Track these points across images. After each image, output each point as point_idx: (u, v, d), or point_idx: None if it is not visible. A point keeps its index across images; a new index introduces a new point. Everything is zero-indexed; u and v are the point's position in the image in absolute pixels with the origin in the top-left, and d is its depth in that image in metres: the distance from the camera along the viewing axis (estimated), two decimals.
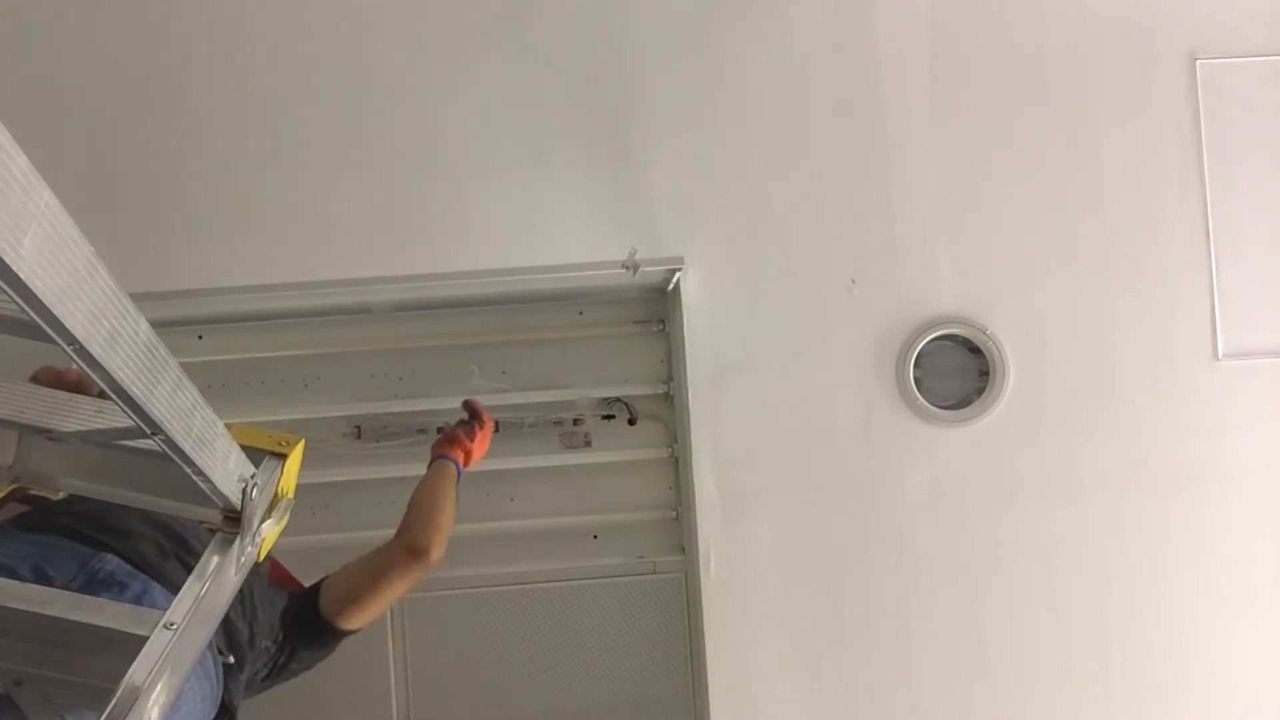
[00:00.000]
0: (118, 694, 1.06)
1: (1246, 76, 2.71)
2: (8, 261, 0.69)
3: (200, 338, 2.77)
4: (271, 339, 2.79)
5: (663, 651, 2.84)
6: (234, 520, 1.28)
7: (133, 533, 1.61)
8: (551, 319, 2.84)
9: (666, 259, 2.62)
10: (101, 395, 1.27)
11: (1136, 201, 2.72)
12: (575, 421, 2.86)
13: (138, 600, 1.47)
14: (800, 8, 2.71)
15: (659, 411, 2.87)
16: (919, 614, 2.71)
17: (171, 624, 1.14)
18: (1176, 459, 2.71)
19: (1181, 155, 2.71)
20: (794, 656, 2.70)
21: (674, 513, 2.86)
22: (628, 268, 2.53)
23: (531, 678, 2.81)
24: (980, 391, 2.74)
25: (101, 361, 0.85)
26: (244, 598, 1.77)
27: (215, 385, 2.74)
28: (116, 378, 0.88)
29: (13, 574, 1.38)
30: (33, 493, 1.79)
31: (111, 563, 1.48)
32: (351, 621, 1.97)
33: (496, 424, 2.71)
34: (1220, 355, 2.70)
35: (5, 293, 0.72)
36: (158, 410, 0.96)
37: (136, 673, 1.08)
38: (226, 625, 1.71)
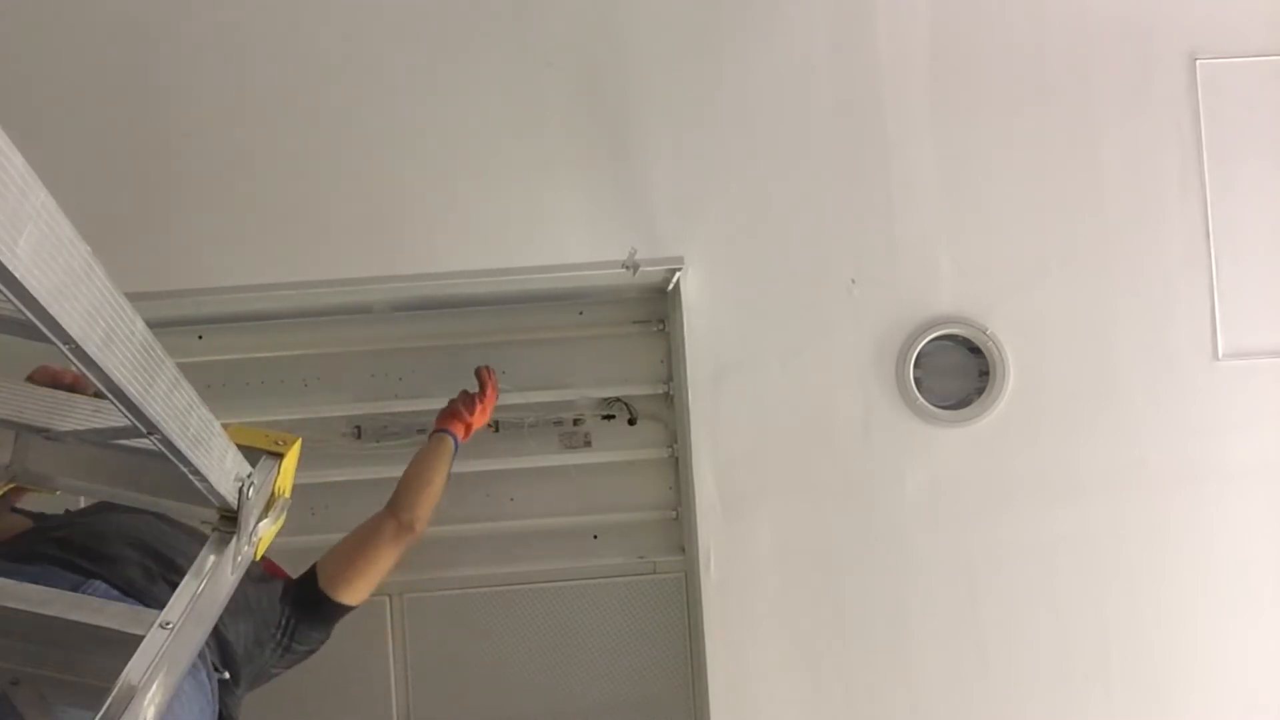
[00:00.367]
0: (113, 693, 1.06)
1: (1246, 76, 2.71)
2: (4, 261, 0.69)
3: (200, 338, 2.77)
4: (271, 339, 2.79)
5: (663, 651, 2.84)
6: (230, 519, 1.28)
7: (119, 558, 1.63)
8: (551, 319, 2.84)
9: (666, 259, 2.62)
10: (98, 394, 1.28)
11: (1136, 201, 2.72)
12: (575, 421, 2.86)
13: None
14: (800, 8, 2.71)
15: (659, 411, 2.87)
16: (919, 614, 2.71)
17: (167, 623, 1.14)
18: (1176, 459, 2.71)
19: (1181, 155, 2.71)
20: (794, 656, 2.70)
21: (674, 513, 2.86)
22: (628, 268, 2.53)
23: (531, 678, 2.81)
24: (980, 391, 2.74)
25: (97, 361, 0.85)
26: (238, 608, 1.79)
27: (215, 385, 2.75)
28: (112, 377, 0.88)
29: None
30: (29, 509, 1.80)
31: (100, 589, 1.49)
32: (347, 593, 2.02)
33: (496, 424, 2.74)
34: (1220, 355, 2.70)
35: (1, 292, 0.72)
36: (154, 409, 0.97)
37: (132, 672, 1.08)
38: (220, 641, 1.73)
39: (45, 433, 1.21)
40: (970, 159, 2.71)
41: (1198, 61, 2.70)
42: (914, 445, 2.71)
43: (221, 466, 1.18)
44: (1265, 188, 2.71)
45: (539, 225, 2.67)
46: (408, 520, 2.14)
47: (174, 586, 1.55)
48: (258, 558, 1.39)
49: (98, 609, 1.15)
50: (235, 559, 1.29)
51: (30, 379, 1.69)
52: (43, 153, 0.80)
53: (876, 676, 2.71)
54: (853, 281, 2.70)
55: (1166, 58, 2.71)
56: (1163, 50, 2.71)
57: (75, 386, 1.37)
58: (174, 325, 2.69)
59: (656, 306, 2.84)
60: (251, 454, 1.33)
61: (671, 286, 2.68)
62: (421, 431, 2.77)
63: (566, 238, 2.66)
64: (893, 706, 2.72)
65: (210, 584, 1.22)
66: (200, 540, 1.66)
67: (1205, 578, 2.71)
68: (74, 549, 1.62)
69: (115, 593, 1.53)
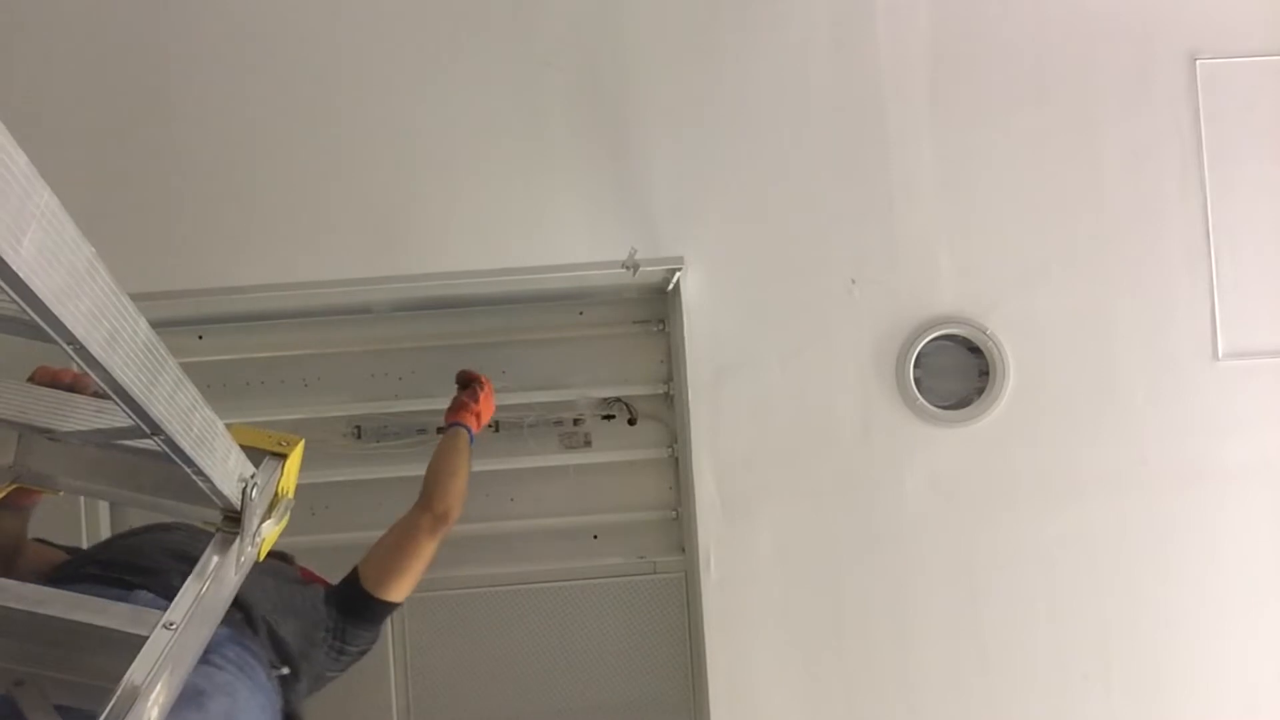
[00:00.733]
0: (117, 693, 1.06)
1: (1246, 76, 2.71)
2: (8, 261, 0.69)
3: (200, 338, 2.77)
4: (271, 339, 2.79)
5: (663, 651, 2.83)
6: (234, 520, 1.28)
7: (159, 568, 1.65)
8: (551, 319, 2.84)
9: (666, 259, 2.62)
10: (98, 394, 1.28)
11: (1136, 201, 2.72)
12: (575, 421, 2.85)
13: None
14: (800, 8, 2.71)
15: (659, 411, 2.87)
16: (919, 614, 2.71)
17: (171, 624, 1.14)
18: (1176, 459, 2.71)
19: (1181, 155, 2.71)
20: (794, 656, 2.70)
21: (674, 513, 2.86)
22: (628, 268, 2.53)
23: (531, 678, 2.81)
24: (980, 391, 2.74)
25: (101, 361, 0.85)
26: (285, 608, 1.82)
27: (215, 385, 2.74)
28: (116, 377, 0.88)
29: None
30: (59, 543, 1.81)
31: (145, 598, 1.50)
32: (392, 591, 2.06)
33: (496, 424, 2.74)
34: (1220, 355, 2.70)
35: (5, 292, 0.72)
36: (157, 410, 0.96)
37: (136, 672, 1.08)
38: (275, 640, 1.75)
39: (49, 433, 1.21)
40: (970, 159, 2.72)
41: (1198, 61, 2.70)
42: (914, 445, 2.71)
43: (225, 467, 1.18)
44: (1265, 188, 2.71)
45: (539, 225, 2.68)
46: (441, 511, 2.17)
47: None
48: (261, 558, 1.39)
49: (100, 609, 1.15)
50: (239, 560, 1.29)
51: (31, 380, 1.69)
52: (46, 153, 0.80)
53: (876, 676, 2.72)
54: (853, 281, 2.70)
55: (1166, 58, 2.71)
56: (1163, 50, 2.72)
57: (75, 386, 1.37)
58: (174, 325, 2.69)
59: (656, 306, 2.84)
60: (254, 455, 1.33)
61: (671, 286, 2.68)
62: (422, 431, 2.78)
63: (566, 238, 2.66)
64: (893, 706, 2.72)
65: (214, 585, 1.22)
66: None
67: (1205, 577, 2.71)
68: (116, 566, 1.65)
69: (161, 600, 1.54)
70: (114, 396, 0.93)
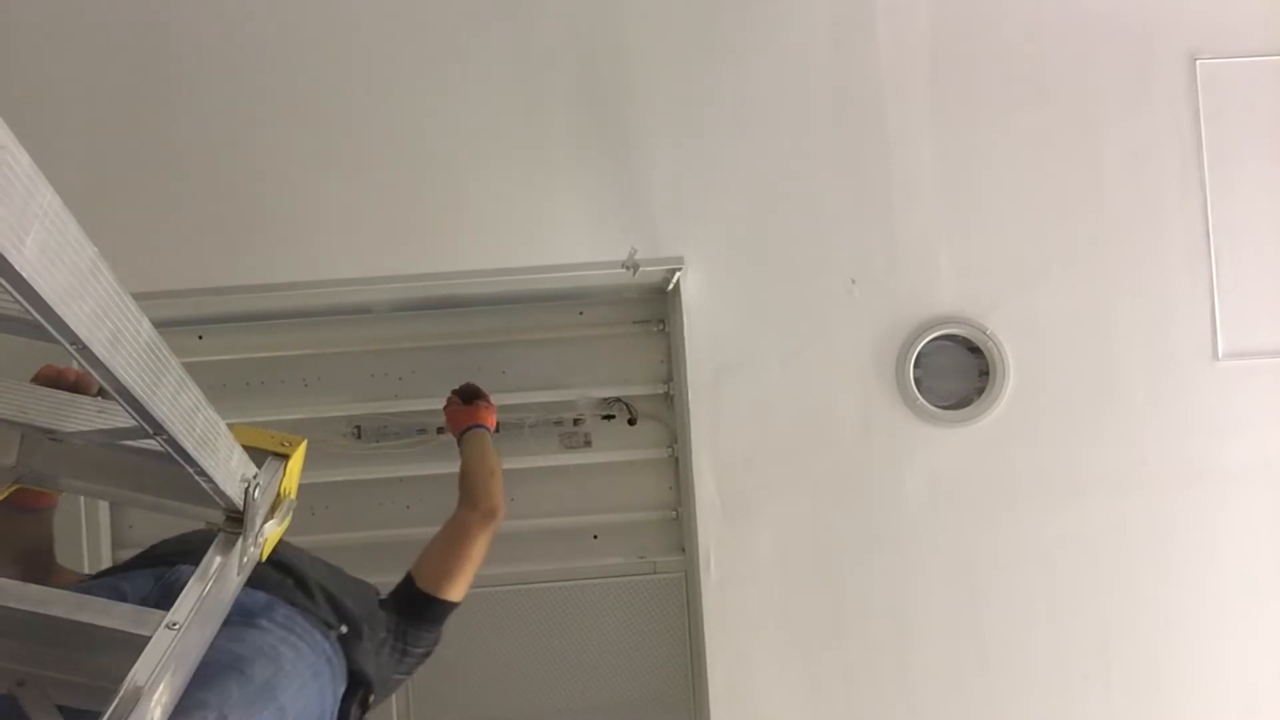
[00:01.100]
0: (120, 694, 1.06)
1: (1246, 76, 2.71)
2: (11, 261, 0.69)
3: (200, 338, 2.77)
4: (271, 339, 2.79)
5: (663, 651, 2.84)
6: (236, 521, 1.28)
7: (201, 550, 1.64)
8: (551, 319, 2.84)
9: (666, 259, 2.62)
10: (101, 394, 1.28)
11: (1136, 201, 2.72)
12: (575, 421, 2.85)
13: None
14: (800, 8, 2.71)
15: (659, 411, 2.87)
16: (919, 614, 2.71)
17: (174, 624, 1.14)
18: (1176, 459, 2.71)
19: (1181, 155, 2.71)
20: (794, 656, 2.70)
21: (674, 513, 2.86)
22: (628, 268, 2.53)
23: (531, 678, 2.81)
24: (980, 391, 2.75)
25: (104, 361, 0.85)
26: (341, 588, 1.81)
27: (215, 385, 2.74)
28: (119, 377, 0.88)
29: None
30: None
31: (186, 572, 1.48)
32: (450, 589, 2.08)
33: (497, 424, 2.74)
34: (1220, 355, 2.71)
35: (8, 292, 0.72)
36: (160, 410, 0.96)
37: (139, 672, 1.08)
38: (334, 604, 1.72)
39: (51, 434, 1.20)
40: (970, 159, 2.72)
41: (1198, 61, 2.70)
42: (914, 445, 2.71)
43: (228, 467, 1.18)
44: (1265, 188, 2.72)
45: (539, 225, 2.68)
46: (488, 509, 2.21)
47: (280, 568, 1.61)
48: (263, 559, 1.39)
49: (103, 609, 1.14)
50: (241, 560, 1.28)
51: (35, 378, 1.70)
52: (47, 152, 0.80)
53: (876, 676, 2.72)
54: (853, 281, 2.70)
55: (1166, 58, 2.72)
56: (1163, 50, 2.72)
57: (78, 386, 1.37)
58: (174, 325, 2.69)
59: (656, 306, 2.84)
60: (257, 455, 1.33)
61: (671, 286, 2.68)
62: (422, 431, 2.79)
63: (566, 238, 2.66)
64: (892, 706, 2.72)
65: (216, 585, 1.22)
66: None
67: (1205, 577, 2.72)
68: (153, 556, 1.66)
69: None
70: (117, 397, 0.93)
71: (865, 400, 2.71)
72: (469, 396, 2.55)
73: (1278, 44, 2.71)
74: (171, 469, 1.10)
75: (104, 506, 2.66)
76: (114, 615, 1.14)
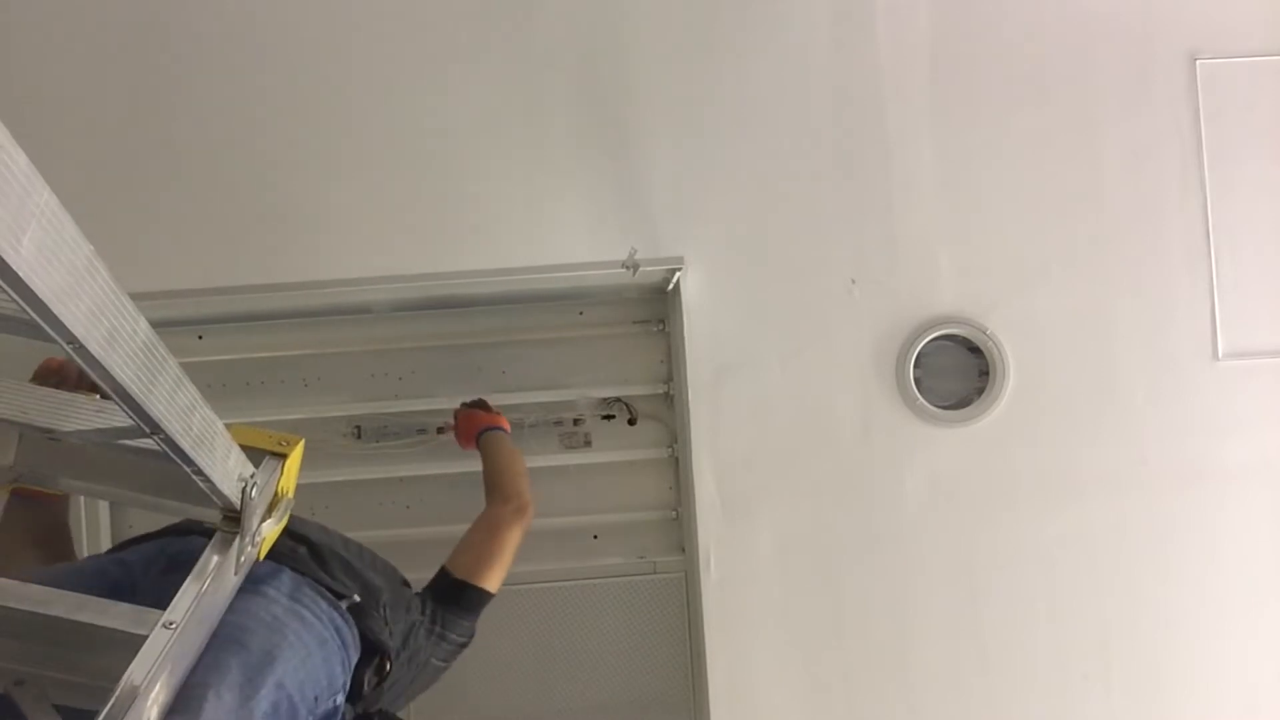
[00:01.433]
0: (116, 693, 1.06)
1: (1246, 76, 2.71)
2: (7, 260, 0.69)
3: (200, 338, 2.77)
4: (271, 339, 2.78)
5: (663, 651, 2.83)
6: (234, 520, 1.28)
7: None
8: (551, 319, 2.84)
9: (666, 259, 2.62)
10: (91, 387, 1.28)
11: (1136, 201, 2.72)
12: (575, 421, 2.85)
13: None
14: (800, 7, 2.71)
15: (659, 411, 2.87)
16: (919, 614, 2.71)
17: (170, 623, 1.14)
18: (1176, 459, 2.71)
19: (1181, 155, 2.71)
20: (794, 656, 2.70)
21: (674, 513, 2.86)
22: (628, 268, 2.53)
23: (531, 678, 2.81)
24: (980, 391, 2.74)
25: (100, 360, 0.85)
26: (370, 565, 1.83)
27: (215, 385, 2.74)
28: (115, 376, 0.88)
29: (102, 572, 1.49)
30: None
31: (195, 543, 1.46)
32: (486, 577, 2.10)
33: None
34: (1220, 355, 2.70)
35: (5, 291, 0.72)
36: (156, 409, 0.96)
37: (135, 672, 1.08)
38: (347, 569, 1.72)
39: (49, 433, 1.21)
40: (970, 159, 2.71)
41: (1198, 61, 2.70)
42: (914, 445, 2.71)
43: (225, 466, 1.18)
44: (1265, 188, 2.71)
45: (539, 225, 2.67)
46: (520, 504, 2.25)
47: (293, 537, 1.61)
48: (261, 558, 1.39)
49: (101, 609, 1.15)
50: (238, 560, 1.29)
51: (38, 372, 1.71)
52: (46, 151, 0.80)
53: (876, 676, 2.72)
54: (853, 281, 2.70)
55: (1166, 58, 2.71)
56: (1163, 50, 2.72)
57: (83, 376, 1.37)
58: (174, 325, 2.69)
59: (656, 306, 2.84)
60: (254, 454, 1.33)
61: (671, 286, 2.68)
62: (422, 431, 2.79)
63: (567, 238, 2.66)
64: (892, 706, 2.72)
65: (214, 584, 1.22)
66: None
67: (1205, 577, 2.71)
68: (185, 526, 1.65)
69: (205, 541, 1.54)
70: (113, 395, 0.93)
71: (865, 400, 2.71)
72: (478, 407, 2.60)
73: (1278, 44, 2.71)
74: (169, 468, 1.10)
75: (104, 506, 2.66)
76: (111, 615, 1.14)
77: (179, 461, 1.08)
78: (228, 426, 1.20)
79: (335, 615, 1.58)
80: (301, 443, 1.42)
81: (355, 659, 1.62)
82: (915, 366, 2.71)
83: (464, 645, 2.06)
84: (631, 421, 2.86)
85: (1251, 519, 2.72)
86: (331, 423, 2.79)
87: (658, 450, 2.85)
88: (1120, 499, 2.70)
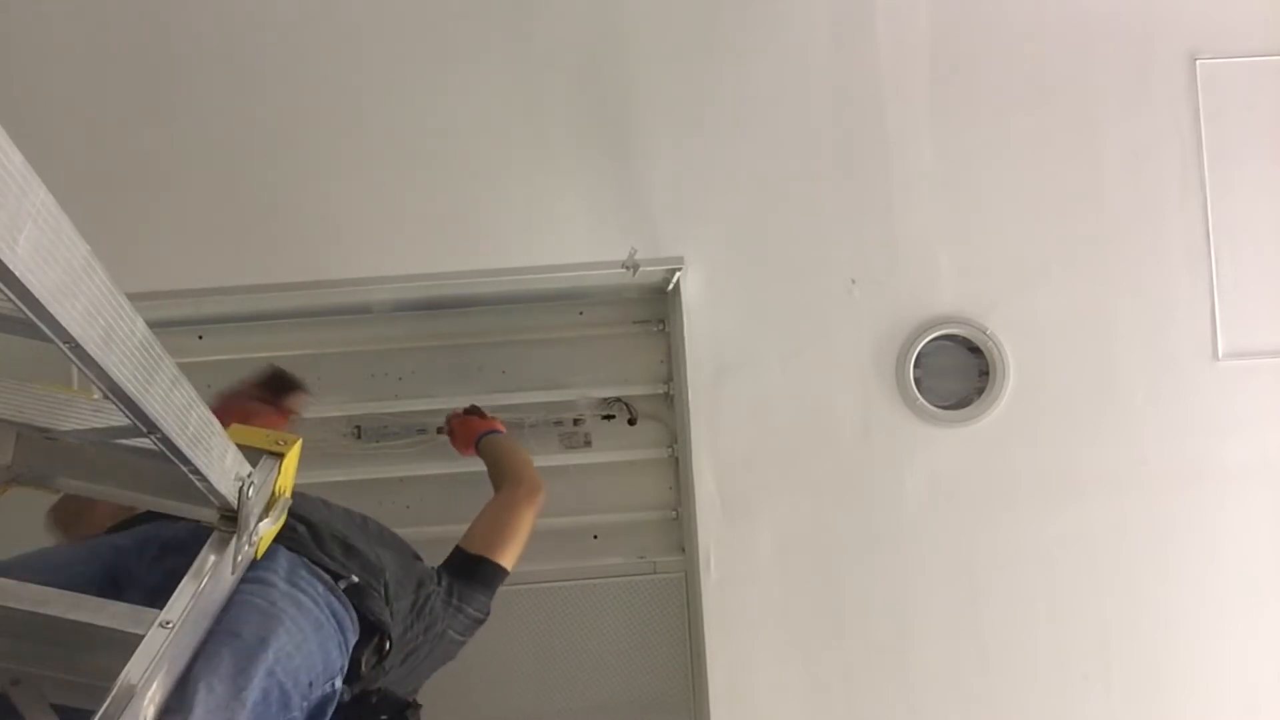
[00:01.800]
0: (113, 692, 1.06)
1: (1246, 76, 2.71)
2: (3, 259, 0.69)
3: (200, 338, 2.77)
4: (271, 339, 2.78)
5: (663, 651, 2.84)
6: (231, 519, 1.28)
7: None
8: (551, 319, 2.84)
9: (666, 259, 2.62)
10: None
11: (1136, 201, 2.72)
12: (575, 421, 2.85)
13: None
14: (800, 7, 2.71)
15: (659, 411, 2.87)
16: (919, 614, 2.71)
17: (167, 622, 1.14)
18: (1176, 459, 2.71)
19: (1181, 155, 2.71)
20: (794, 656, 2.70)
21: (674, 513, 2.86)
22: (628, 268, 2.53)
23: (531, 678, 2.81)
24: (980, 391, 2.74)
25: (97, 359, 0.85)
26: (380, 541, 1.84)
27: (216, 385, 2.73)
28: (112, 375, 0.88)
29: (95, 554, 1.51)
30: None
31: (186, 528, 1.46)
32: (500, 552, 2.11)
33: None
34: (1220, 355, 2.70)
35: (1, 291, 0.72)
36: (153, 408, 0.97)
37: (132, 671, 1.08)
38: (347, 549, 1.71)
39: (47, 433, 1.21)
40: (970, 159, 2.71)
41: (1198, 61, 2.70)
42: (914, 445, 2.71)
43: (221, 466, 1.18)
44: (1265, 188, 2.71)
45: (539, 225, 2.67)
46: (531, 485, 2.26)
47: (293, 516, 1.60)
48: (258, 557, 1.39)
49: (98, 608, 1.15)
50: (236, 559, 1.29)
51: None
52: (41, 150, 0.80)
53: (876, 676, 2.72)
54: (853, 281, 2.70)
55: (1166, 58, 2.71)
56: (1163, 50, 2.71)
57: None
58: (174, 325, 2.69)
59: (656, 306, 2.84)
60: (252, 454, 1.33)
61: (671, 286, 2.68)
62: (422, 431, 2.79)
63: (566, 238, 2.66)
64: (892, 706, 2.72)
65: (211, 583, 1.22)
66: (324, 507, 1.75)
67: (1205, 577, 2.71)
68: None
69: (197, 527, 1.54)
70: (110, 395, 0.93)
71: (865, 400, 2.71)
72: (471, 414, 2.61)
73: (1278, 44, 2.71)
74: (166, 468, 1.10)
75: None
76: (108, 614, 1.14)
77: (175, 461, 1.08)
78: (224, 426, 1.20)
79: (332, 598, 1.58)
80: (299, 442, 1.42)
81: (353, 641, 1.61)
82: (915, 366, 2.71)
83: (480, 622, 2.05)
84: (631, 421, 2.86)
85: (1251, 519, 2.72)
86: (331, 423, 2.79)
87: (658, 450, 2.85)
88: (1120, 499, 2.70)
